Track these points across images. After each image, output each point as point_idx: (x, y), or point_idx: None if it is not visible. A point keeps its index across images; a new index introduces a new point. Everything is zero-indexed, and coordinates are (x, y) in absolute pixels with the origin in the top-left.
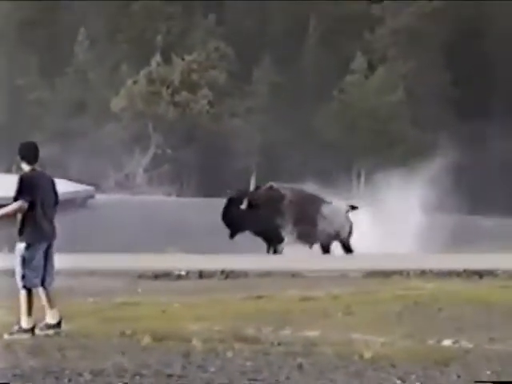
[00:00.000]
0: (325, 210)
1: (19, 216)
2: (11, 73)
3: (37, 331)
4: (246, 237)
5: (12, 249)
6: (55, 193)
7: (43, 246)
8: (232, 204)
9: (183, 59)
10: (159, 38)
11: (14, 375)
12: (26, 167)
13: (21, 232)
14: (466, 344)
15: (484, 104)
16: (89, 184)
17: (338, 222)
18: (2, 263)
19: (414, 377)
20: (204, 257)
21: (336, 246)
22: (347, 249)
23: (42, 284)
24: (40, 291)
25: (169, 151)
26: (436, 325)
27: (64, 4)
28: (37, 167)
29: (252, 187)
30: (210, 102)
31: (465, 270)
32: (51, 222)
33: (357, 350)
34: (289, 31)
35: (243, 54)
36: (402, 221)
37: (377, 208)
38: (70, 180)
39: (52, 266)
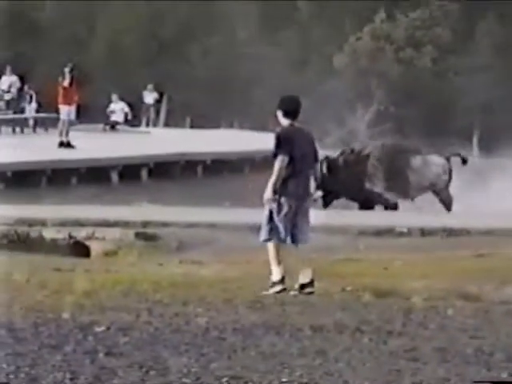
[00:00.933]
0: (415, 161)
1: (276, 170)
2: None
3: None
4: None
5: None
6: (314, 149)
7: (294, 202)
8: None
9: (407, 16)
10: None
11: (234, 329)
12: (284, 122)
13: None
14: None
15: None
16: None
17: (432, 173)
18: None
19: None
20: (424, 215)
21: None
22: (444, 201)
23: (294, 241)
24: (290, 248)
25: (391, 108)
26: None
27: None
28: (295, 123)
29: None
30: (433, 60)
31: None
32: (306, 179)
33: None
34: None
35: (467, 10)
36: None
37: None
38: None
39: (306, 223)
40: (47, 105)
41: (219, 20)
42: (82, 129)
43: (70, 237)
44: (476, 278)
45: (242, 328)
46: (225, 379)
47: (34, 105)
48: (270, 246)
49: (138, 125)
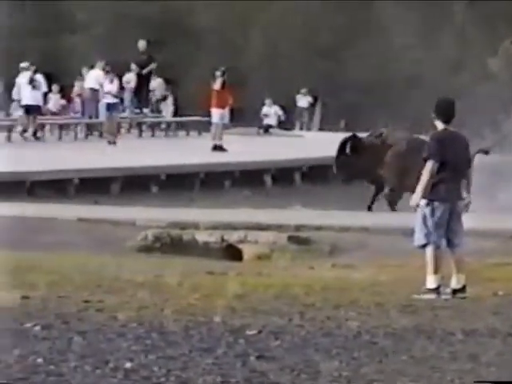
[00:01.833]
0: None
1: (425, 175)
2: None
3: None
4: None
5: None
6: (467, 154)
7: (447, 206)
8: (342, 148)
9: None
10: None
11: (386, 333)
12: (439, 125)
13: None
14: None
15: None
16: None
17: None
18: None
19: None
20: None
21: None
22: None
23: (450, 246)
24: (446, 252)
25: None
26: None
27: None
28: (450, 127)
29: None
30: None
31: None
32: (458, 183)
33: None
34: None
35: None
36: None
37: None
38: None
39: (460, 227)
40: (200, 108)
41: (375, 24)
42: (235, 132)
43: (223, 240)
44: None
45: (394, 332)
46: (375, 383)
47: (171, 108)
48: (429, 251)
49: (292, 128)
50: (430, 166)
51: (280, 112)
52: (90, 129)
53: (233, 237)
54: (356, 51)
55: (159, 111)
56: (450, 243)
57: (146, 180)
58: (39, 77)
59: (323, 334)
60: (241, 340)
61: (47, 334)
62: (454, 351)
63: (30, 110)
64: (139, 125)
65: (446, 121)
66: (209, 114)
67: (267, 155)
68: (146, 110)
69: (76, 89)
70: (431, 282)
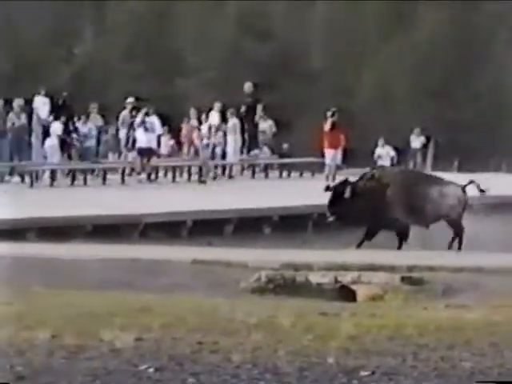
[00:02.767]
0: (434, 191)
1: None
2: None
3: None
4: None
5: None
6: None
7: None
8: (337, 193)
9: None
10: None
11: (499, 373)
12: None
13: None
14: None
15: None
16: None
17: (448, 203)
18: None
19: None
20: None
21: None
22: (456, 229)
23: None
24: None
25: None
26: None
27: None
28: None
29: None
30: None
31: None
32: None
33: None
34: None
35: None
36: None
37: None
38: None
39: None
40: (314, 149)
41: (489, 64)
42: (348, 173)
43: (336, 281)
44: None
45: (508, 372)
46: None
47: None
48: None
49: None
50: None
51: (393, 153)
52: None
53: (346, 278)
54: (469, 91)
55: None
56: None
57: (258, 221)
58: (153, 119)
59: (437, 375)
60: (354, 381)
61: (161, 375)
62: None
63: (143, 152)
64: (252, 166)
65: None
66: (322, 155)
67: None
68: (256, 152)
69: (184, 132)
70: None
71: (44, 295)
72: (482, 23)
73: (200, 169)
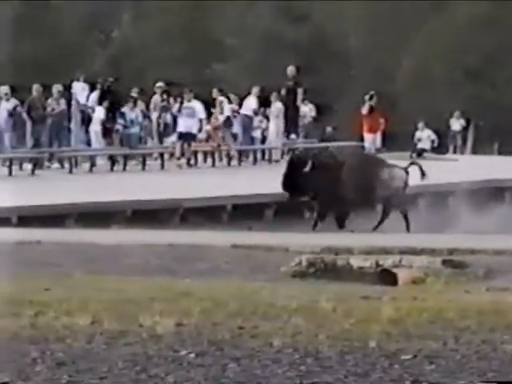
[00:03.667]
0: (384, 174)
1: None
2: None
3: None
4: None
5: None
6: None
7: None
8: (294, 166)
9: None
10: None
11: None
12: None
13: None
14: None
15: None
16: None
17: (395, 184)
18: None
19: None
20: None
21: None
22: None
23: None
24: None
25: None
26: None
27: None
28: None
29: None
30: None
31: None
32: None
33: None
34: None
35: None
36: None
37: None
38: None
39: None
40: (353, 133)
41: None
42: (388, 156)
43: (377, 265)
44: None
45: None
46: None
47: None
48: None
49: (445, 152)
50: None
51: (433, 136)
52: (243, 155)
53: (387, 261)
54: (509, 72)
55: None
56: None
57: (299, 205)
58: (193, 104)
59: (478, 358)
60: (396, 365)
61: (201, 360)
62: None
63: (183, 137)
64: (292, 151)
65: None
66: (361, 139)
67: (420, 179)
68: (293, 136)
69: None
70: None
71: (84, 281)
72: None
73: (240, 153)
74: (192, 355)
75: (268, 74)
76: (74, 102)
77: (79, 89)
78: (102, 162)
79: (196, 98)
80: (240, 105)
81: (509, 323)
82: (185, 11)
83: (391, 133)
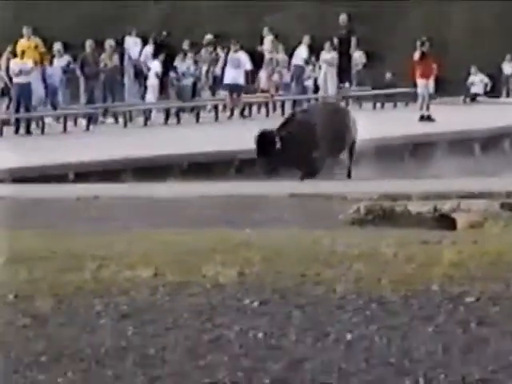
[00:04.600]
0: (348, 120)
1: None
2: None
3: None
4: None
5: None
6: None
7: None
8: (265, 142)
9: None
10: None
11: None
12: None
13: None
14: None
15: None
16: None
17: (356, 128)
18: None
19: None
20: None
21: None
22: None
23: None
24: None
25: None
26: None
27: None
28: None
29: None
30: None
31: None
32: None
33: None
34: None
35: None
36: None
37: None
38: None
39: None
40: (407, 79)
41: None
42: (441, 102)
43: (436, 210)
44: None
45: None
46: None
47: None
48: None
49: (499, 96)
50: None
51: (486, 80)
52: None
53: (445, 206)
54: None
55: (362, 84)
56: None
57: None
58: (238, 55)
59: None
60: (460, 307)
61: (265, 309)
62: None
63: (230, 88)
64: (345, 98)
65: None
66: (415, 85)
67: (475, 124)
68: (346, 84)
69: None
70: None
71: (143, 234)
72: None
73: (294, 103)
74: (255, 304)
75: (321, 23)
76: (126, 57)
77: (131, 43)
78: (156, 116)
79: (246, 50)
80: (291, 55)
81: None
82: None
83: (444, 78)
